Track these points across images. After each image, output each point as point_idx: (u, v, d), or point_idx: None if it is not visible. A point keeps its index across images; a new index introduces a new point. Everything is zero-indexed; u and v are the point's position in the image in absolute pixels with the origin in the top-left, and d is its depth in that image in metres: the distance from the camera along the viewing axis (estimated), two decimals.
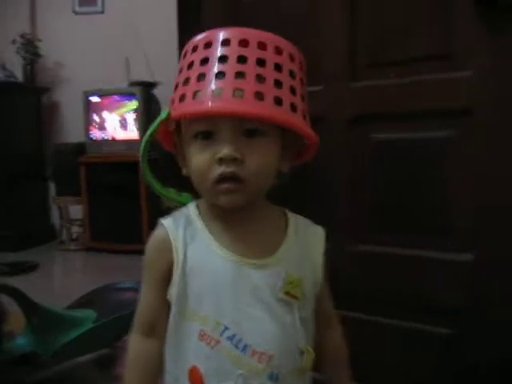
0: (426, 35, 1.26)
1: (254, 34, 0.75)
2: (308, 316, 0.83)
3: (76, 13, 4.63)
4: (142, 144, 0.86)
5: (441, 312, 1.27)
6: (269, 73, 0.73)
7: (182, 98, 0.75)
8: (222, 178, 0.73)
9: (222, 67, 0.72)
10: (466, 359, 1.25)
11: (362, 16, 1.34)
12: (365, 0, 1.34)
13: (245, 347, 0.76)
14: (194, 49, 0.77)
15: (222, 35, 0.75)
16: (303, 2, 1.45)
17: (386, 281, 1.35)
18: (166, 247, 0.81)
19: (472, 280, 1.22)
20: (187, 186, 0.83)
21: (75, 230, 4.44)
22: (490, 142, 1.19)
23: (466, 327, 1.24)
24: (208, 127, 0.74)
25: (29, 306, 1.70)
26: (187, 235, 0.81)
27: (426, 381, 1.32)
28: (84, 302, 2.00)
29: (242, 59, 0.73)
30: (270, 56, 0.74)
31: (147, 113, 3.87)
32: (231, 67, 0.72)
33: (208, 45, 0.75)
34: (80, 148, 4.22)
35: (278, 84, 0.73)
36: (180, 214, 0.85)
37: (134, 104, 3.96)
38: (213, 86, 0.72)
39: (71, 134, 4.58)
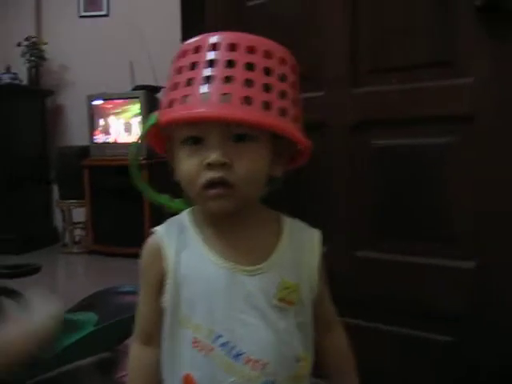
0: (428, 42, 1.26)
1: (243, 38, 0.74)
2: (306, 321, 0.82)
3: (81, 16, 4.65)
4: (132, 149, 0.86)
5: (441, 319, 1.27)
6: (258, 77, 0.72)
7: (171, 103, 0.75)
8: (211, 184, 0.73)
9: (211, 72, 0.72)
10: (465, 366, 1.24)
11: (363, 22, 1.35)
12: (366, 6, 1.34)
13: (238, 355, 0.75)
14: (184, 54, 0.77)
15: (211, 40, 0.75)
16: (306, 8, 1.45)
17: (385, 287, 1.35)
18: (159, 255, 0.80)
19: (472, 287, 1.22)
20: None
21: (78, 232, 4.45)
22: (492, 148, 1.19)
23: (466, 334, 1.23)
24: (196, 132, 0.74)
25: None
26: (180, 242, 0.81)
27: None
28: (85, 305, 2.00)
29: (230, 63, 0.72)
30: (259, 60, 0.73)
31: None
32: (219, 71, 0.72)
33: (197, 49, 0.75)
34: (84, 151, 4.23)
35: (267, 88, 0.73)
36: (173, 221, 0.85)
37: (137, 108, 3.97)
38: (201, 91, 0.72)
39: (75, 137, 4.59)
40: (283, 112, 0.74)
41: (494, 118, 1.18)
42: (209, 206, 0.77)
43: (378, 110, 1.34)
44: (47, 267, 3.68)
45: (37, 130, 4.57)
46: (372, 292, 1.36)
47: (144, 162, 3.53)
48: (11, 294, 1.65)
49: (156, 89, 3.93)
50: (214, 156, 0.72)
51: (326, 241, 1.38)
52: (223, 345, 0.76)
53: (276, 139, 0.78)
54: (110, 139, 4.16)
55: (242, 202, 0.77)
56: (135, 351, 0.86)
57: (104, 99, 4.17)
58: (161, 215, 0.93)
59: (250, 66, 0.72)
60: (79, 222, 4.39)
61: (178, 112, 0.74)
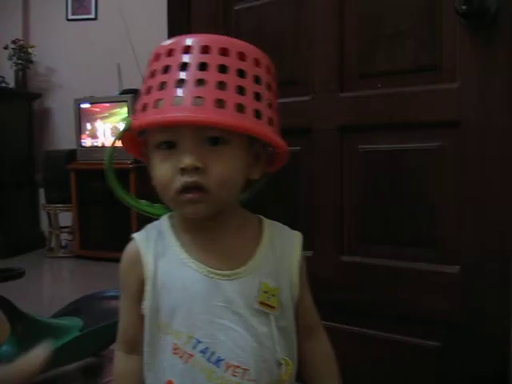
0: (415, 47, 1.27)
1: (216, 41, 0.73)
2: (288, 325, 0.82)
3: (69, 19, 4.63)
4: (107, 154, 0.85)
5: (426, 323, 1.27)
6: (231, 79, 0.71)
7: (144, 107, 0.74)
8: (185, 188, 0.72)
9: (183, 75, 0.71)
10: (450, 371, 1.24)
11: (350, 27, 1.35)
12: (354, 11, 1.34)
13: (218, 361, 0.75)
14: (157, 57, 0.76)
15: (183, 42, 0.74)
16: (293, 12, 1.45)
17: (371, 292, 1.34)
18: (137, 261, 0.80)
19: (457, 291, 1.22)
20: None
21: (65, 237, 4.42)
22: (477, 153, 1.19)
23: (450, 339, 1.24)
24: (170, 137, 0.73)
25: (13, 314, 1.68)
26: (158, 248, 0.80)
27: None
28: (70, 309, 1.98)
29: (203, 66, 0.71)
30: (232, 62, 0.72)
31: None
32: (192, 74, 0.71)
33: (170, 52, 0.74)
34: (71, 155, 4.21)
35: (241, 90, 0.72)
36: (152, 227, 0.84)
37: (125, 112, 3.95)
38: (173, 95, 0.71)
39: (62, 140, 4.57)
40: (258, 114, 0.73)
41: (480, 123, 1.18)
42: (184, 210, 0.76)
43: (365, 115, 1.34)
44: (33, 271, 3.66)
45: (24, 133, 4.55)
46: (357, 297, 1.36)
47: (131, 165, 3.52)
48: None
49: None
50: (187, 160, 0.71)
51: (312, 245, 1.40)
52: (203, 351, 0.75)
53: (252, 141, 0.77)
54: (98, 143, 4.14)
55: (218, 206, 0.76)
56: (119, 360, 0.86)
57: (91, 103, 4.16)
58: (148, 219, 0.92)
59: (223, 69, 0.72)
60: (66, 227, 4.36)
61: (151, 116, 0.73)
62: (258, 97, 0.74)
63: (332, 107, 1.38)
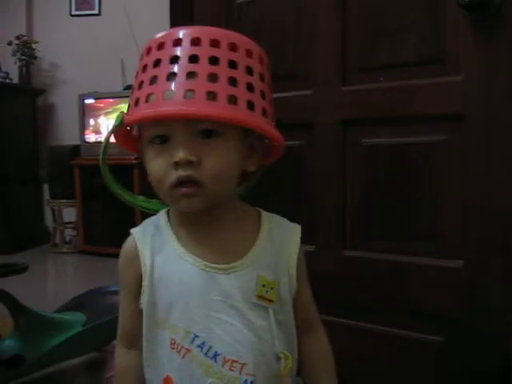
0: (417, 39, 1.25)
1: (206, 32, 0.72)
2: (287, 319, 0.81)
3: (72, 15, 4.63)
4: (102, 150, 0.85)
5: (428, 318, 1.26)
6: (222, 71, 0.70)
7: (137, 102, 0.74)
8: (180, 182, 0.71)
9: (174, 68, 0.70)
10: (452, 366, 1.24)
11: (352, 20, 1.34)
12: (356, 4, 1.33)
13: (215, 355, 0.74)
14: (148, 51, 0.75)
15: (174, 35, 0.73)
16: (295, 6, 1.44)
17: (373, 287, 1.34)
18: (135, 257, 0.80)
19: (460, 286, 1.21)
20: None
21: (69, 232, 4.42)
22: (481, 147, 1.18)
23: (453, 334, 1.23)
24: (162, 131, 0.73)
25: (16, 309, 1.69)
26: (155, 243, 0.80)
27: None
28: (73, 304, 1.99)
29: (194, 58, 0.70)
30: (223, 53, 0.71)
31: None
32: (183, 68, 0.70)
33: (161, 46, 0.73)
34: (75, 150, 4.21)
35: (233, 82, 0.71)
36: (149, 222, 0.84)
37: None
38: (164, 89, 0.70)
39: (66, 136, 4.57)
40: (251, 105, 0.72)
41: (484, 116, 1.17)
42: (179, 205, 0.76)
43: (368, 109, 1.33)
44: (37, 267, 3.67)
45: (28, 128, 4.55)
46: (359, 291, 1.36)
47: (135, 161, 3.52)
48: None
49: None
50: (180, 154, 0.70)
51: (314, 240, 1.39)
52: (200, 346, 0.75)
53: (247, 133, 0.76)
54: (101, 138, 4.14)
55: (213, 199, 0.75)
56: (119, 356, 0.86)
57: (95, 98, 4.16)
58: (152, 215, 0.92)
59: (214, 60, 0.71)
60: (70, 222, 4.36)
61: (143, 111, 0.72)
62: (250, 88, 0.73)
63: (334, 101, 1.37)
